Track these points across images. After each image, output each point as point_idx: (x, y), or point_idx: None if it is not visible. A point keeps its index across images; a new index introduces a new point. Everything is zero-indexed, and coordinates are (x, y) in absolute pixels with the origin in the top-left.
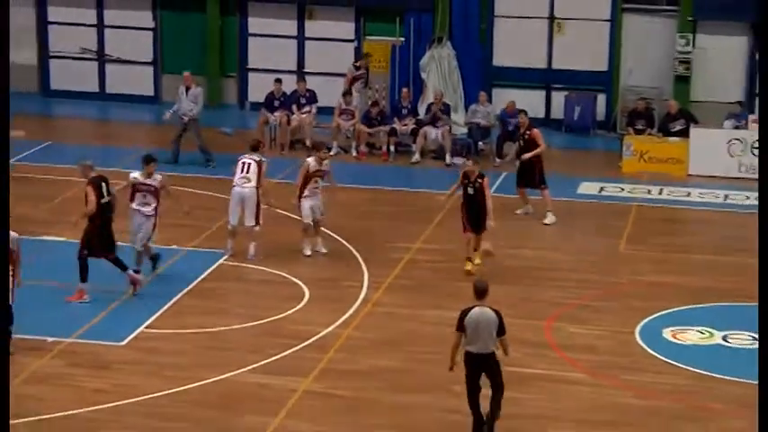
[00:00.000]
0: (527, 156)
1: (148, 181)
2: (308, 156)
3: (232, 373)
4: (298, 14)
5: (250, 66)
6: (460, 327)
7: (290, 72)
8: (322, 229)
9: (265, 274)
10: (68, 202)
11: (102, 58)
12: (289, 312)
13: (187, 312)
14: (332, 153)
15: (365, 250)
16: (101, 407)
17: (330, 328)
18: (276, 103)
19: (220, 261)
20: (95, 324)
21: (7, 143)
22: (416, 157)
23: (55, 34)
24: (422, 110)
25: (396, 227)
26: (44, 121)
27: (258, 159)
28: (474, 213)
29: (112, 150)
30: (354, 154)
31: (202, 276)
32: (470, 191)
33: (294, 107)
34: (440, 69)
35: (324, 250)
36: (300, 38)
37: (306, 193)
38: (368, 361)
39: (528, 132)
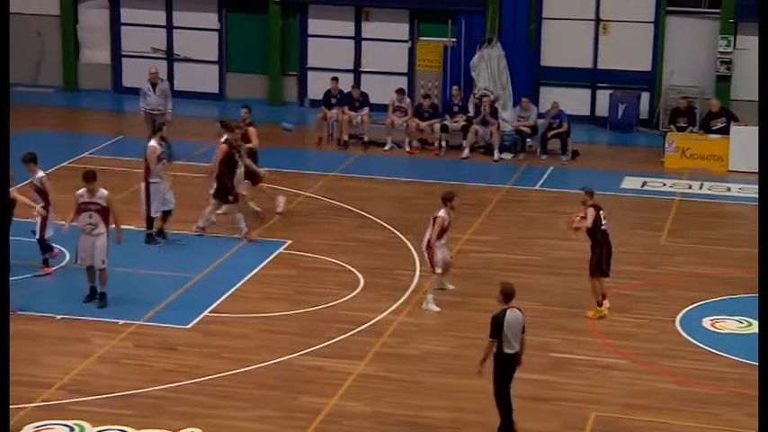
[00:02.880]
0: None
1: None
2: (441, 209)
3: (290, 356)
4: (355, 16)
5: (309, 65)
6: (497, 333)
7: (347, 71)
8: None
9: (322, 263)
10: (137, 193)
11: (170, 57)
12: (344, 299)
13: (249, 298)
14: (386, 148)
15: (417, 240)
16: (167, 386)
17: (383, 314)
18: (333, 101)
19: (280, 249)
20: (163, 308)
21: (7, 143)
22: (466, 152)
23: (127, 35)
24: (471, 107)
25: None
26: (116, 116)
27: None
28: (609, 253)
29: (179, 144)
30: (407, 149)
31: (263, 264)
32: (604, 226)
33: (347, 108)
34: (489, 69)
35: (451, 287)
36: (357, 38)
37: (439, 242)
38: (420, 346)
39: None
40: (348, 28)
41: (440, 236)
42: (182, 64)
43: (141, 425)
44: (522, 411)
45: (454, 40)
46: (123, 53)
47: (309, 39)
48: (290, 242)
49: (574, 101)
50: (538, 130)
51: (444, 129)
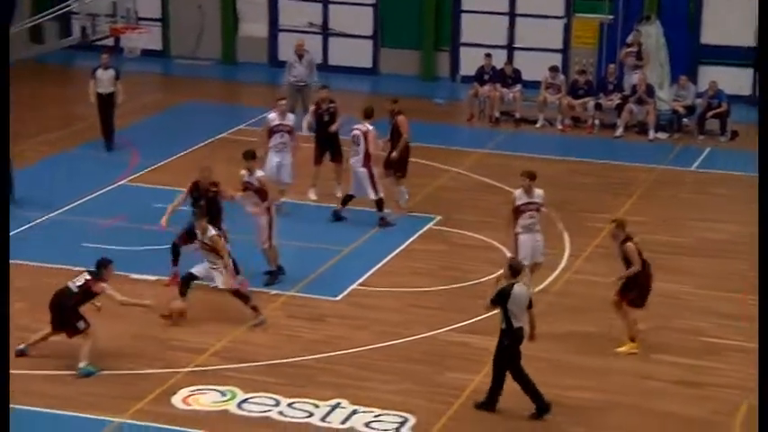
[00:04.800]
0: None
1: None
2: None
3: (437, 331)
4: None
5: (463, 40)
6: (498, 303)
7: (500, 47)
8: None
9: (470, 239)
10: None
11: (326, 31)
12: (492, 276)
13: (397, 273)
14: (538, 125)
15: (567, 220)
16: (316, 356)
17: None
18: (486, 77)
19: (429, 225)
20: (313, 280)
21: (7, 143)
22: (620, 131)
23: (285, 9)
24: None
25: (598, 198)
26: (271, 89)
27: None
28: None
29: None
30: (559, 127)
31: (412, 239)
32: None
33: (499, 84)
34: (647, 47)
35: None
36: (511, 14)
37: (519, 228)
38: (567, 325)
39: None
40: (503, 3)
41: (516, 217)
42: (336, 39)
43: (291, 393)
44: (669, 395)
45: (611, 17)
46: (280, 27)
47: (463, 14)
48: (439, 218)
49: (735, 80)
50: (695, 109)
51: (598, 107)
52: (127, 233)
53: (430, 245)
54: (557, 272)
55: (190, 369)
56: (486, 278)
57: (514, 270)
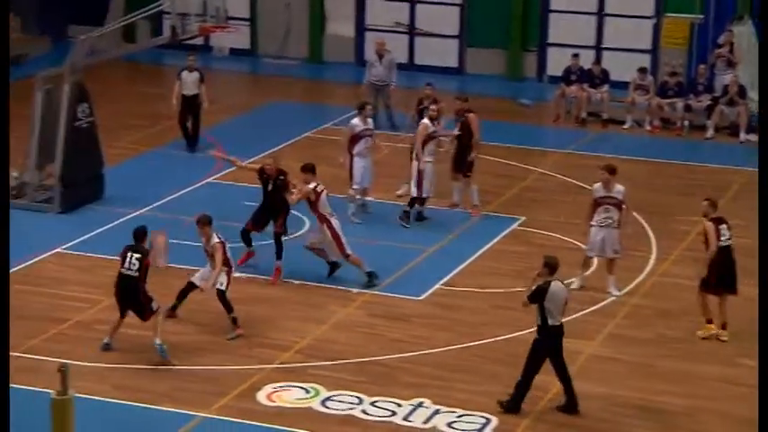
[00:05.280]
0: None
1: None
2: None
3: (521, 333)
4: None
5: (550, 40)
6: (535, 300)
7: (587, 47)
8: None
9: (555, 240)
10: (378, 165)
11: (412, 31)
12: (577, 278)
13: (481, 273)
14: (626, 126)
15: (654, 221)
16: (398, 355)
17: (617, 295)
18: (573, 77)
19: (513, 226)
20: (396, 279)
21: (7, 143)
22: (710, 132)
23: (372, 8)
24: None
25: (686, 200)
26: (357, 88)
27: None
28: (727, 270)
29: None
30: (648, 128)
31: (496, 239)
32: (726, 239)
33: (587, 85)
34: (739, 47)
35: (617, 293)
36: (600, 14)
37: (593, 221)
38: (654, 329)
39: None
40: (591, 3)
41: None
42: (422, 38)
43: (373, 392)
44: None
45: (702, 16)
46: (367, 26)
47: (551, 14)
48: (523, 219)
49: None
50: None
51: (688, 108)
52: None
53: (514, 246)
54: (643, 275)
55: (275, 366)
56: (571, 280)
57: (551, 267)
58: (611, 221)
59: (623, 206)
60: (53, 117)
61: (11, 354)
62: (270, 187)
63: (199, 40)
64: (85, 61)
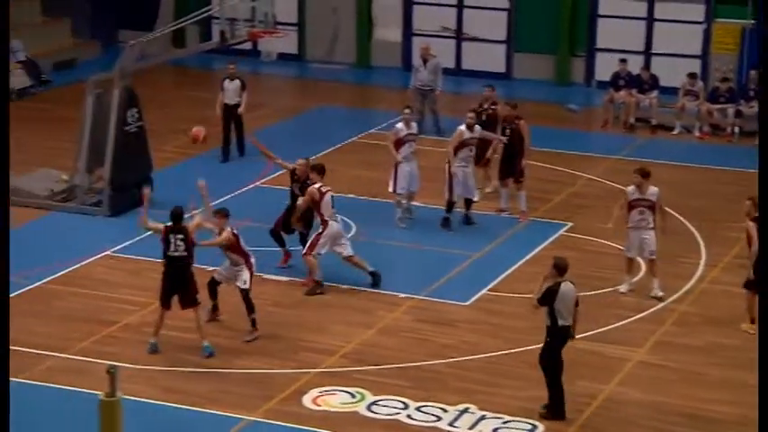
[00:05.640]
0: None
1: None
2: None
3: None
4: None
5: (598, 45)
6: (546, 302)
7: (636, 53)
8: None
9: (603, 246)
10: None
11: (459, 36)
12: (625, 284)
13: (528, 279)
14: (675, 132)
15: (704, 228)
16: (445, 360)
17: (666, 302)
18: (621, 82)
19: (560, 232)
20: (443, 284)
21: (7, 143)
22: None
23: (419, 13)
24: None
25: (736, 207)
26: (404, 93)
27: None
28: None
29: (451, 121)
30: (697, 134)
31: (543, 245)
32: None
33: (635, 90)
34: None
35: (660, 293)
36: (649, 19)
37: (629, 224)
38: (703, 336)
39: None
40: (640, 8)
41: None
42: (469, 43)
43: (419, 397)
44: None
45: (753, 21)
46: (414, 31)
47: (599, 19)
48: (571, 224)
49: None
50: None
51: (738, 114)
52: (260, 233)
53: (561, 252)
54: (692, 281)
55: (320, 370)
56: (612, 288)
57: (560, 269)
58: (645, 223)
59: (658, 207)
60: (103, 121)
61: (59, 355)
62: (297, 189)
63: (247, 45)
64: (135, 66)
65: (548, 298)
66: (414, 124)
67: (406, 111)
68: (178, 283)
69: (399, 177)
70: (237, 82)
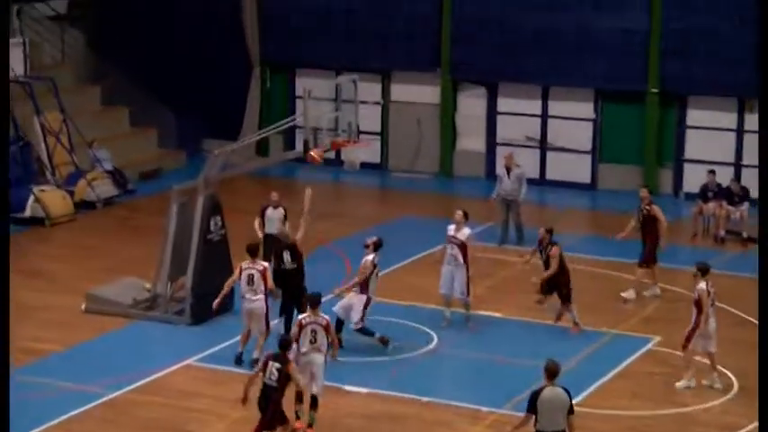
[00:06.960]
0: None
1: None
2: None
3: None
4: (738, 108)
5: (686, 157)
6: (532, 408)
7: (726, 164)
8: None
9: (694, 362)
10: (508, 281)
11: (543, 146)
12: (718, 402)
13: (615, 395)
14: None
15: None
16: None
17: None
18: (710, 194)
19: (649, 345)
20: (526, 398)
21: (7, 142)
22: None
23: (503, 123)
24: None
25: None
26: (487, 203)
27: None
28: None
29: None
30: None
31: (631, 359)
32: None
33: (725, 202)
34: None
35: (718, 385)
36: (739, 130)
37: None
38: None
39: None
40: (730, 120)
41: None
42: (554, 153)
43: None
44: None
45: None
46: (498, 141)
47: (687, 129)
48: (659, 338)
49: None
50: None
51: None
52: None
53: (650, 366)
54: None
55: None
56: (711, 404)
57: (549, 372)
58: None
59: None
60: (187, 230)
61: None
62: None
63: (330, 155)
64: (219, 175)
65: (529, 404)
66: (466, 230)
67: (458, 213)
68: (264, 410)
69: (441, 278)
70: (281, 210)
